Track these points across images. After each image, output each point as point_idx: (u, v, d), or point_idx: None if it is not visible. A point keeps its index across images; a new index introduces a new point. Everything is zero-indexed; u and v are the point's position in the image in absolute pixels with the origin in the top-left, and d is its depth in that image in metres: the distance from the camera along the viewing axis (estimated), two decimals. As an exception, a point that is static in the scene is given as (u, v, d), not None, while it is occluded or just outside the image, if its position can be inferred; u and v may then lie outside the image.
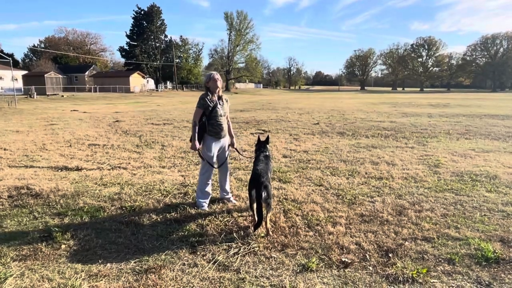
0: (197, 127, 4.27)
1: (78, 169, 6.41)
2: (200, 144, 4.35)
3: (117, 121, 14.46)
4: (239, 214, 4.25)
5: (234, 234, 3.70)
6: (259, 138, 4.60)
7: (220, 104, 4.36)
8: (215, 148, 4.39)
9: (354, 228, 3.85)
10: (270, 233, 3.69)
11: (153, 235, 3.72)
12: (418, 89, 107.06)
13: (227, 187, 4.73)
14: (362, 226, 3.90)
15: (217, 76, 4.30)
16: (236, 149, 4.77)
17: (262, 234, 3.68)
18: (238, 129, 11.94)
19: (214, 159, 4.47)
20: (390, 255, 3.30)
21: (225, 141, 4.52)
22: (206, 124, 4.29)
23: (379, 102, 30.14)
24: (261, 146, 4.44)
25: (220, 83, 4.33)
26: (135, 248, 3.46)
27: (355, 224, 3.97)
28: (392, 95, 53.92)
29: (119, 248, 3.47)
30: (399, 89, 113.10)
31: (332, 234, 3.70)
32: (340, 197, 4.90)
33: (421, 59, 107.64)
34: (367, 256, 3.28)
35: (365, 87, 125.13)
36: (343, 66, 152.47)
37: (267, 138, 4.60)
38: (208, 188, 4.52)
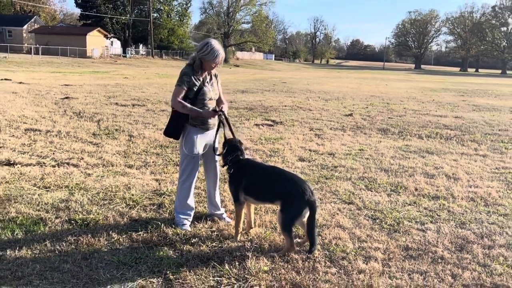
0: (187, 104, 4.26)
1: (9, 163, 6.51)
2: (182, 136, 4.45)
3: (66, 97, 14.57)
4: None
5: (226, 265, 3.76)
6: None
7: (208, 83, 4.43)
8: (200, 144, 4.47)
9: (395, 266, 3.89)
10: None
11: (112, 262, 3.79)
12: (499, 71, 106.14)
13: (217, 199, 4.81)
14: (406, 264, 3.94)
15: (220, 50, 4.26)
16: (224, 113, 4.45)
17: (265, 268, 3.74)
18: (237, 118, 12.00)
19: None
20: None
21: (215, 132, 4.61)
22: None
23: (441, 88, 29.97)
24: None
25: (221, 61, 4.31)
26: (87, 279, 3.53)
27: (397, 260, 4.01)
28: (460, 79, 53.53)
29: (64, 277, 3.53)
30: (471, 70, 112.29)
31: (364, 273, 3.75)
32: (377, 221, 4.94)
33: (505, 28, 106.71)
34: (411, 307, 3.32)
35: (422, 66, 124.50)
36: (391, 34, 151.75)
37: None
38: (191, 200, 4.60)
